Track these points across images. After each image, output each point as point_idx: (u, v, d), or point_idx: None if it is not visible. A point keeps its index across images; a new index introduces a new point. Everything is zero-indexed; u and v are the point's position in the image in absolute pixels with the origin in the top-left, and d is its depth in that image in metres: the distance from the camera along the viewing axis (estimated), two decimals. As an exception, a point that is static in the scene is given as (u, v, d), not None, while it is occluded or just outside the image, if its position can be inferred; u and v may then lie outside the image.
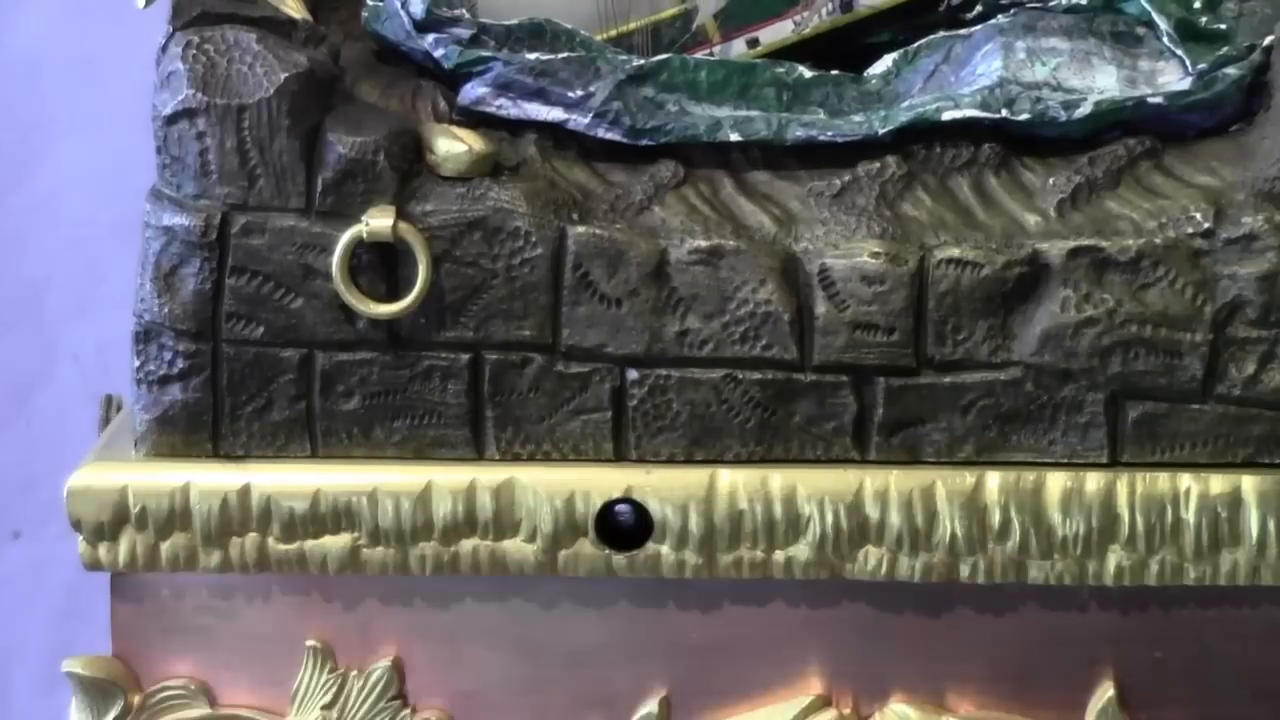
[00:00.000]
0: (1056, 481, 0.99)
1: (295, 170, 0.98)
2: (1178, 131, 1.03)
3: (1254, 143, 1.01)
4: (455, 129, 1.00)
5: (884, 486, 0.99)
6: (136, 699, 1.03)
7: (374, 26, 1.07)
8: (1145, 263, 0.98)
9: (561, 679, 1.03)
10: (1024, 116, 1.01)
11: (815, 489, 0.99)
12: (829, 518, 0.99)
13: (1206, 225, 0.98)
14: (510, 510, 0.99)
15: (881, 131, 1.02)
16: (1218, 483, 0.99)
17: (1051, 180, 1.01)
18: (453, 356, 0.99)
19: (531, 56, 1.03)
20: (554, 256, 0.99)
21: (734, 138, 1.02)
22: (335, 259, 0.98)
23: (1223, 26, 1.07)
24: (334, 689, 1.02)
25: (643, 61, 1.03)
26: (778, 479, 0.99)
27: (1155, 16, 1.08)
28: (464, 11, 1.05)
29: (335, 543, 1.00)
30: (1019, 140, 1.02)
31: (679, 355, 0.99)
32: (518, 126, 1.03)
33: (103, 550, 1.00)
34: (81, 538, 1.00)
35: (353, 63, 1.05)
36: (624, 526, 1.00)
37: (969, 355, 0.99)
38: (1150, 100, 1.02)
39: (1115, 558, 0.99)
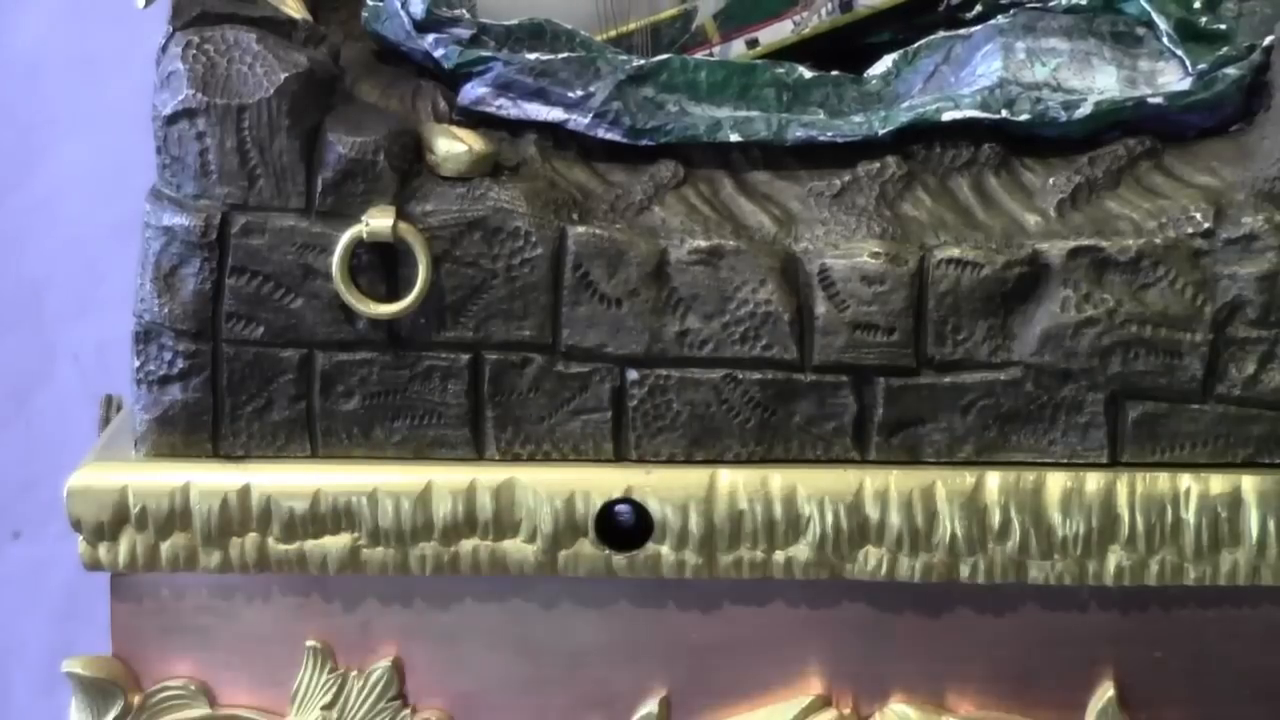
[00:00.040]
0: (1056, 481, 0.99)
1: (295, 170, 0.98)
2: (1178, 131, 1.03)
3: (1254, 143, 1.01)
4: (455, 129, 1.00)
5: (884, 486, 0.99)
6: (136, 699, 1.03)
7: (374, 26, 1.07)
8: (1145, 263, 0.98)
9: (561, 679, 1.03)
10: (1024, 117, 1.01)
11: (815, 489, 0.99)
12: (829, 518, 0.99)
13: (1206, 225, 0.98)
14: (510, 510, 0.99)
15: (881, 132, 1.02)
16: (1218, 483, 0.99)
17: (1051, 180, 1.01)
18: (453, 356, 0.99)
19: (531, 56, 1.03)
20: (554, 256, 0.99)
21: (734, 138, 1.02)
22: (335, 259, 0.98)
23: (1223, 26, 1.07)
24: (334, 689, 1.02)
25: (643, 62, 1.04)
26: (778, 479, 0.99)
27: (1155, 16, 1.08)
28: (464, 11, 1.05)
29: (335, 543, 1.00)
30: (1019, 140, 1.02)
31: (679, 355, 0.99)
32: (518, 126, 1.03)
33: (103, 550, 1.00)
34: (81, 538, 1.00)
35: (353, 63, 1.05)
36: (624, 526, 1.00)
37: (969, 355, 0.99)
38: (1150, 100, 1.02)
39: (1115, 558, 0.99)
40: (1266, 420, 0.99)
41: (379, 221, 0.97)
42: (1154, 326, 0.98)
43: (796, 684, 1.02)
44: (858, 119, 1.03)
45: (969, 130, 1.02)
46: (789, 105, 1.05)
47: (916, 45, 1.09)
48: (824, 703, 1.02)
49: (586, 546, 1.00)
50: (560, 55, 1.03)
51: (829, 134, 1.02)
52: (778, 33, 1.12)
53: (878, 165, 1.01)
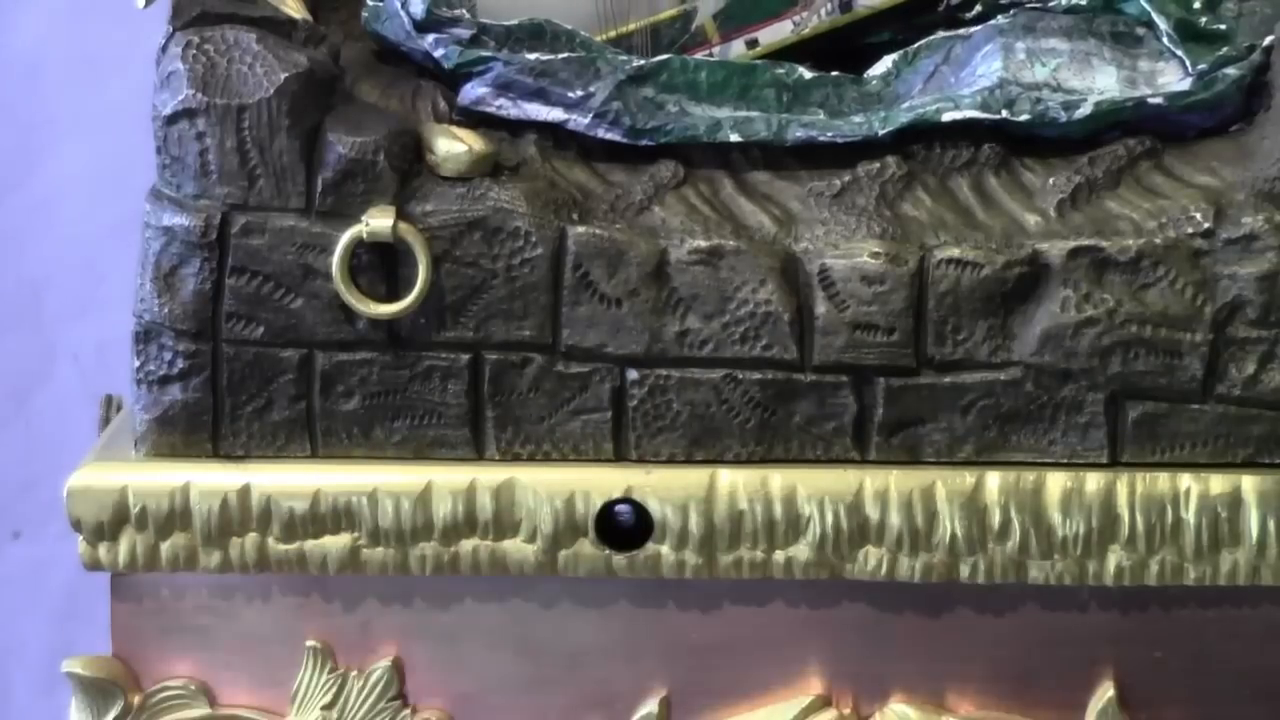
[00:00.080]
0: (1056, 481, 0.99)
1: (295, 170, 0.98)
2: (1178, 131, 1.03)
3: (1254, 143, 1.01)
4: (455, 129, 1.00)
5: (884, 486, 0.99)
6: (136, 699, 1.03)
7: (374, 26, 1.07)
8: (1145, 263, 0.98)
9: (561, 679, 1.03)
10: (1024, 117, 1.01)
11: (815, 489, 0.99)
12: (829, 518, 0.99)
13: (1206, 225, 0.98)
14: (510, 510, 0.99)
15: (882, 133, 1.02)
16: (1218, 483, 0.99)
17: (1051, 180, 1.01)
18: (453, 356, 0.99)
19: (531, 57, 1.03)
20: (554, 256, 0.99)
21: (734, 138, 1.02)
22: (335, 259, 0.98)
23: (1223, 27, 1.07)
24: (334, 689, 1.02)
25: (643, 62, 1.04)
26: (778, 479, 0.99)
27: (1155, 17, 1.08)
28: (464, 11, 1.05)
29: (335, 543, 1.00)
30: (1019, 140, 1.02)
31: (679, 355, 0.99)
32: (518, 126, 1.03)
33: (103, 550, 1.00)
34: (81, 538, 1.00)
35: (353, 63, 1.05)
36: (624, 526, 1.00)
37: (969, 355, 0.99)
38: (1150, 100, 1.02)
39: (1115, 558, 0.99)
40: (1266, 420, 0.99)
41: (379, 221, 0.97)
42: (1154, 326, 0.98)
43: (796, 684, 1.02)
44: (858, 119, 1.03)
45: (969, 130, 1.02)
46: (789, 105, 1.05)
47: (916, 46, 1.09)
48: (824, 703, 1.02)
49: (586, 546, 1.00)
50: (560, 55, 1.03)
51: (829, 134, 1.02)
52: (777, 33, 1.12)
53: (878, 165, 1.01)
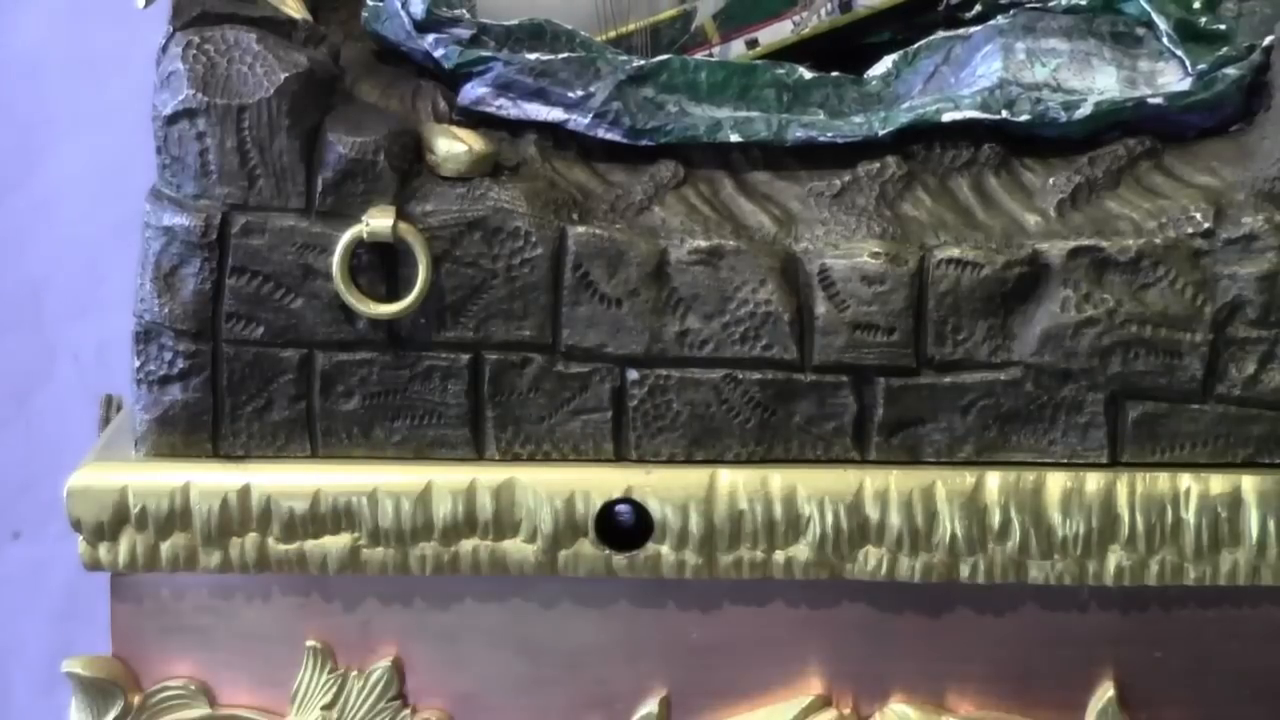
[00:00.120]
0: (1056, 481, 0.99)
1: (295, 170, 0.98)
2: (1178, 131, 1.03)
3: (1254, 143, 1.01)
4: (455, 129, 1.00)
5: (884, 486, 0.99)
6: (136, 699, 1.03)
7: (374, 26, 1.07)
8: (1145, 263, 0.98)
9: (561, 679, 1.03)
10: (1024, 117, 1.02)
11: (815, 489, 0.99)
12: (829, 518, 0.99)
13: (1206, 225, 0.98)
14: (510, 510, 0.99)
15: (882, 133, 1.02)
16: (1218, 483, 0.99)
17: (1051, 180, 1.01)
18: (453, 356, 0.99)
19: (531, 57, 1.03)
20: (554, 256, 0.99)
21: (734, 138, 1.02)
22: (335, 259, 0.98)
23: (1222, 27, 1.07)
24: (334, 689, 1.02)
25: (643, 62, 1.04)
26: (778, 479, 0.99)
27: (1155, 17, 1.08)
28: (464, 11, 1.05)
29: (335, 543, 1.00)
30: (1019, 140, 1.02)
31: (679, 355, 0.99)
32: (518, 126, 1.03)
33: (103, 550, 1.00)
34: (81, 538, 1.00)
35: (353, 63, 1.05)
36: (624, 526, 1.00)
37: (969, 355, 0.99)
38: (1150, 101, 1.02)
39: (1115, 558, 0.99)
40: (1266, 420, 0.99)
41: (379, 221, 0.97)
42: (1154, 326, 0.98)
43: (796, 684, 1.02)
44: (858, 119, 1.03)
45: (969, 130, 1.02)
46: (789, 106, 1.05)
47: (916, 46, 1.09)
48: (824, 703, 1.02)
49: (586, 546, 1.00)
50: (560, 55, 1.03)
51: (829, 134, 1.02)
52: (777, 33, 1.12)
53: (878, 165, 1.01)
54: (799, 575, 1.00)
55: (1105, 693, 1.01)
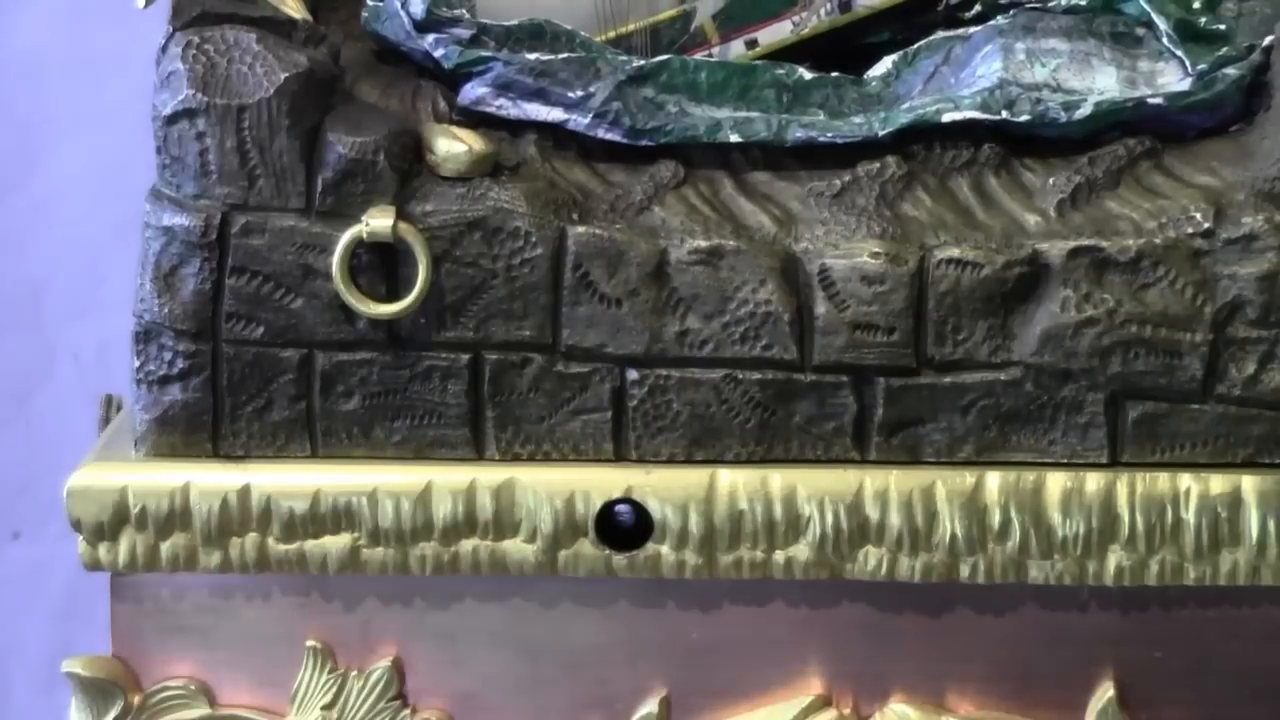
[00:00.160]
0: (1056, 481, 0.99)
1: (295, 170, 0.98)
2: (1178, 131, 1.03)
3: (1254, 143, 1.01)
4: (455, 129, 1.00)
5: (884, 486, 0.99)
6: (136, 699, 1.03)
7: (374, 26, 1.07)
8: (1145, 263, 0.98)
9: (561, 679, 1.03)
10: (1024, 118, 1.02)
11: (815, 489, 0.99)
12: (829, 518, 0.99)
13: (1206, 225, 0.98)
14: (510, 510, 0.99)
15: (882, 133, 1.02)
16: (1218, 483, 0.99)
17: (1051, 180, 1.01)
18: (453, 356, 0.99)
19: (531, 57, 1.03)
20: (554, 256, 0.99)
21: (734, 139, 1.02)
22: (335, 259, 0.98)
23: (1222, 27, 1.07)
24: (334, 689, 1.02)
25: (643, 62, 1.04)
26: (778, 479, 0.99)
27: (1155, 17, 1.08)
28: (464, 11, 1.05)
29: (335, 543, 1.00)
30: (1019, 140, 1.02)
31: (679, 355, 0.99)
32: (518, 126, 1.03)
33: (103, 550, 1.00)
34: (81, 538, 1.00)
35: (353, 63, 1.05)
36: (624, 526, 1.00)
37: (969, 355, 0.99)
38: (1150, 101, 1.02)
39: (1115, 558, 0.99)
40: (1266, 420, 0.99)
41: (379, 221, 0.97)
42: (1154, 326, 0.98)
43: (796, 684, 1.02)
44: (858, 120, 1.03)
45: (969, 130, 1.02)
46: (789, 106, 1.05)
47: (916, 46, 1.09)
48: (824, 703, 1.02)
49: (586, 546, 1.00)
50: (560, 55, 1.03)
51: (829, 135, 1.02)
52: (777, 33, 1.13)
53: (878, 165, 1.01)
54: (799, 575, 1.00)
55: (1105, 693, 1.01)
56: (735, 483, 0.99)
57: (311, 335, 0.99)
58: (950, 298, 0.98)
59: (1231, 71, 1.03)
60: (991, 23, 1.09)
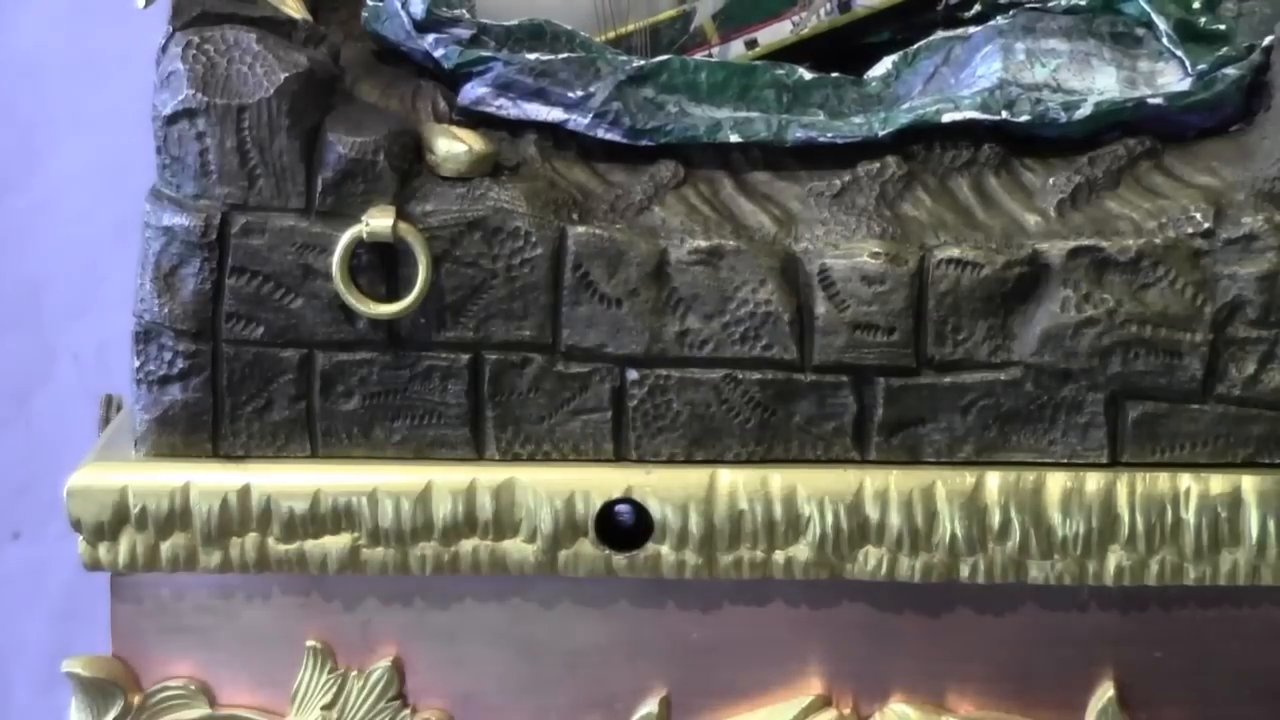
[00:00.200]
0: (1056, 481, 0.99)
1: (295, 170, 0.98)
2: (1178, 131, 1.03)
3: (1254, 143, 1.01)
4: (455, 129, 1.00)
5: (884, 486, 0.99)
6: (136, 699, 1.03)
7: (374, 26, 1.07)
8: (1145, 263, 0.98)
9: (561, 679, 1.03)
10: (1024, 118, 1.01)
11: (815, 489, 0.99)
12: (829, 518, 0.99)
13: (1206, 225, 0.98)
14: (510, 510, 0.99)
15: (882, 133, 1.02)
16: (1218, 483, 0.99)
17: (1051, 180, 1.01)
18: (453, 356, 0.99)
19: (531, 57, 1.03)
20: (554, 256, 0.99)
21: (734, 139, 1.02)
22: (335, 259, 0.98)
23: (1222, 27, 1.07)
24: (334, 689, 1.02)
25: (643, 62, 1.04)
26: (778, 479, 0.99)
27: (1155, 17, 1.08)
28: (464, 11, 1.05)
29: (335, 543, 1.00)
30: (1019, 140, 1.02)
31: (679, 355, 0.99)
32: (518, 126, 1.03)
33: (103, 550, 1.00)
34: (81, 538, 1.00)
35: (353, 63, 1.05)
36: (624, 526, 1.00)
37: (969, 355, 0.99)
38: (1150, 101, 1.02)
39: (1115, 558, 0.99)
40: (1266, 420, 0.99)
41: (379, 221, 0.97)
42: (1154, 326, 0.98)
43: (796, 684, 1.02)
44: (858, 120, 1.03)
45: (969, 131, 1.02)
46: (789, 106, 1.05)
47: (916, 47, 1.09)
48: (824, 703, 1.02)
49: (586, 546, 1.00)
50: (560, 55, 1.03)
51: (829, 135, 1.02)
52: (777, 33, 1.13)
53: (878, 165, 1.01)
54: (799, 575, 1.00)
55: (1105, 693, 1.01)
56: (735, 483, 0.99)
57: (311, 335, 0.99)
58: (950, 298, 0.98)
59: (1231, 71, 1.03)
60: (991, 23, 1.09)
